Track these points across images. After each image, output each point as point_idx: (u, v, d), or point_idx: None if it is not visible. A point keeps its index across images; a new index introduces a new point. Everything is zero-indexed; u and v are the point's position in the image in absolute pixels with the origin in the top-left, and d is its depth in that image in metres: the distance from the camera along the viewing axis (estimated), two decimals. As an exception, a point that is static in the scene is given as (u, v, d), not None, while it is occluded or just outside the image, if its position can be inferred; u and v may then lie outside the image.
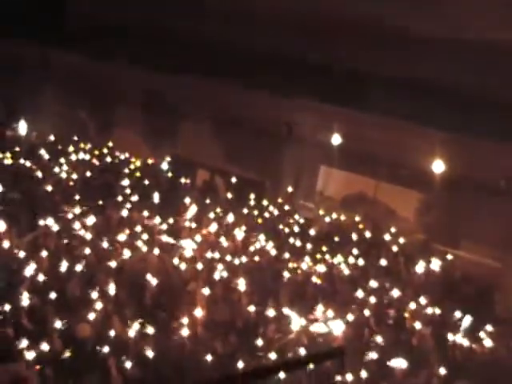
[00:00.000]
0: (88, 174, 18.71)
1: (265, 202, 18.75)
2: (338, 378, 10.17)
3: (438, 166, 16.69)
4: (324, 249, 15.83)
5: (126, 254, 13.31)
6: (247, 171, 20.32)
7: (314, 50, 19.44)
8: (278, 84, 18.54)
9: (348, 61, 18.66)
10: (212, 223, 15.97)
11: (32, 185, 16.90)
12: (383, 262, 15.27)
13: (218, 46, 20.59)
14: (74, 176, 18.12)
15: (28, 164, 18.41)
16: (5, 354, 9.70)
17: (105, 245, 13.69)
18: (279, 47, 19.80)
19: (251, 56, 19.43)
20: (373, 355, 11.18)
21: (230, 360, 10.50)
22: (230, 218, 16.62)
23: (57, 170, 18.46)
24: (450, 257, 16.26)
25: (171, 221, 15.98)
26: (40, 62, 23.57)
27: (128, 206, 16.31)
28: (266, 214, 17.93)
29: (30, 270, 11.76)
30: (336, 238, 16.63)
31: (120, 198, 16.87)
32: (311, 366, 9.79)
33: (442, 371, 10.92)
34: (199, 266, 13.29)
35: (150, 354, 10.33)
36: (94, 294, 11.51)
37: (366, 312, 12.55)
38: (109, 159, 20.92)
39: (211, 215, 16.67)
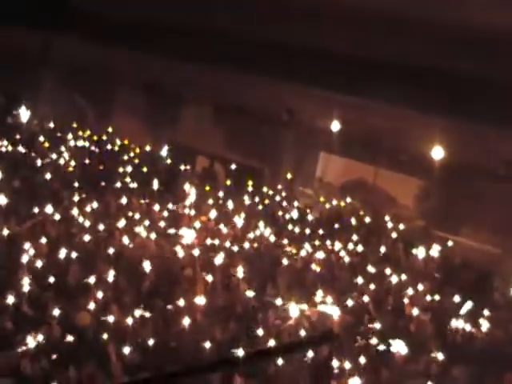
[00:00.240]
0: (87, 161, 18.68)
1: (264, 189, 18.73)
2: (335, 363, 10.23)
3: (438, 153, 16.65)
4: (322, 234, 15.83)
5: (125, 240, 13.32)
6: (247, 158, 20.28)
7: (313, 36, 19.30)
8: (278, 70, 18.45)
9: (348, 47, 18.54)
10: (211, 210, 15.96)
11: (31, 172, 16.89)
12: (382, 249, 15.28)
13: (217, 33, 20.44)
14: (73, 163, 18.10)
15: (24, 151, 18.36)
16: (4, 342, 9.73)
17: (103, 231, 13.69)
18: (280, 34, 19.66)
19: (251, 43, 19.31)
20: (372, 341, 11.20)
21: (230, 346, 10.51)
22: (230, 204, 16.62)
23: (54, 156, 18.44)
24: (449, 243, 16.27)
25: (170, 207, 15.98)
26: (41, 48, 23.41)
27: (127, 192, 16.30)
28: (266, 201, 17.92)
29: (28, 256, 11.76)
30: (335, 225, 16.63)
31: (119, 185, 16.87)
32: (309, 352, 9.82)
33: (441, 357, 10.93)
34: (196, 252, 13.25)
35: (149, 341, 10.34)
36: (92, 279, 11.50)
37: (365, 298, 12.56)
38: (108, 146, 20.88)
39: (210, 202, 16.66)
